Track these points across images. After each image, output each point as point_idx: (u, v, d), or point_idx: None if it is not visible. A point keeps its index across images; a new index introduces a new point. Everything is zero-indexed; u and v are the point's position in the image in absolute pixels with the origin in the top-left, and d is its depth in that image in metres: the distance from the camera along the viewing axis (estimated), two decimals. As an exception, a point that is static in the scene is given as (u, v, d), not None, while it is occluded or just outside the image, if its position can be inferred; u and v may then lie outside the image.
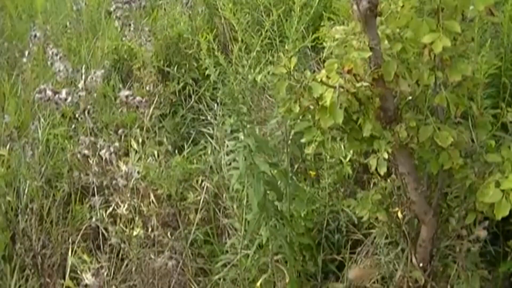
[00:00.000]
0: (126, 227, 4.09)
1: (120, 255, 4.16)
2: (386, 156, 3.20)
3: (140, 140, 4.62)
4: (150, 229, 4.11)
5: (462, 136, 3.22)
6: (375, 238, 4.04)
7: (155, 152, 4.62)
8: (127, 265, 4.24)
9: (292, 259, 3.71)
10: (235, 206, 4.06)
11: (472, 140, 3.32)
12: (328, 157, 4.19)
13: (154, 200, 4.22)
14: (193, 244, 4.42)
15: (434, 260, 3.70)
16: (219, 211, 4.38)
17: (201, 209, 4.30)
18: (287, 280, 3.63)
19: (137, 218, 4.15)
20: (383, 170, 3.23)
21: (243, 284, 3.87)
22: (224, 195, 4.31)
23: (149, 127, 4.88)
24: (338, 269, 4.19)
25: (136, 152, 4.57)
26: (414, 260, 3.65)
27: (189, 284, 4.18)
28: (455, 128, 3.24)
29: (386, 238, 3.97)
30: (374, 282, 3.92)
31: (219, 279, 4.05)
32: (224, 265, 3.97)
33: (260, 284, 3.66)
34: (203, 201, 4.31)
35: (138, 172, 4.34)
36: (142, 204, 4.17)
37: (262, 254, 3.76)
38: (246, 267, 3.81)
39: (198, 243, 4.41)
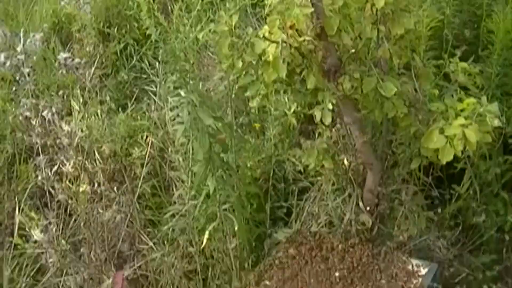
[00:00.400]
0: (72, 184, 3.97)
1: (68, 211, 4.04)
2: (330, 107, 3.16)
3: (82, 100, 4.50)
4: (96, 185, 4.00)
5: (406, 86, 3.19)
6: (321, 185, 4.00)
7: (98, 111, 4.50)
8: (75, 220, 4.11)
9: (239, 207, 3.63)
10: (181, 159, 3.95)
11: (416, 90, 3.30)
12: (272, 109, 4.12)
13: (98, 157, 4.11)
14: (141, 197, 4.30)
15: (381, 203, 3.66)
16: (165, 165, 4.26)
17: (147, 164, 4.18)
18: (235, 228, 3.56)
19: (83, 175, 4.04)
20: (328, 121, 3.19)
21: (192, 233, 3.79)
22: (169, 149, 4.20)
23: (90, 87, 4.76)
24: (286, 215, 4.15)
25: (79, 111, 4.44)
26: (361, 204, 3.61)
27: (138, 235, 4.09)
28: (399, 79, 3.21)
29: (333, 184, 3.92)
30: (322, 227, 3.90)
31: (168, 229, 3.97)
32: (173, 216, 3.88)
33: (209, 232, 3.58)
34: (148, 156, 4.19)
35: (82, 131, 4.23)
36: (87, 162, 4.05)
37: (209, 203, 3.68)
38: (195, 216, 3.74)
39: (145, 196, 4.30)
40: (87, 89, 4.74)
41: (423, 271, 3.36)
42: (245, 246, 3.97)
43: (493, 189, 4.05)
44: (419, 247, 3.84)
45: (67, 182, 3.92)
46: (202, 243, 3.68)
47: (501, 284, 3.88)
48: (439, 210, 3.99)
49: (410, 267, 3.38)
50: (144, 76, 5.12)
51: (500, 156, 3.99)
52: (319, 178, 3.96)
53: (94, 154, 4.19)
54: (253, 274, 3.38)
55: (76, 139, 4.11)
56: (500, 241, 4.12)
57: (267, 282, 3.30)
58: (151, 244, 3.98)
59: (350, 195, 3.66)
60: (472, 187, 4.02)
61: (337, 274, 3.35)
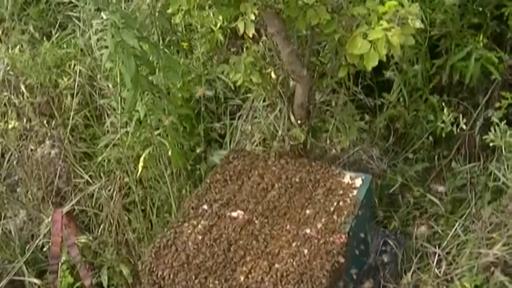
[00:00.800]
0: (0, 121, 3.86)
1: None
2: (253, 17, 3.09)
3: (2, 31, 4.32)
4: (25, 120, 3.89)
5: (327, -8, 3.15)
6: (253, 102, 3.98)
7: (21, 42, 4.34)
8: (8, 160, 4.04)
9: (172, 131, 3.58)
10: (110, 86, 3.87)
11: (338, -4, 3.25)
12: (199, 26, 4.04)
13: (25, 91, 3.98)
14: (74, 130, 4.23)
15: (312, 117, 3.67)
16: (96, 93, 4.17)
17: (77, 94, 4.09)
18: (169, 153, 3.52)
19: (10, 111, 3.92)
20: (251, 32, 3.12)
21: (127, 162, 3.75)
22: (98, 76, 4.10)
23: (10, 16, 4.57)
24: (220, 136, 4.13)
25: (1, 42, 4.28)
26: (292, 118, 3.60)
27: (74, 170, 4.02)
28: (320, -15, 3.15)
29: (264, 101, 3.92)
30: (256, 145, 3.89)
31: (104, 160, 3.92)
32: (106, 146, 3.82)
33: (144, 159, 3.53)
34: (77, 85, 4.09)
35: (7, 64, 4.09)
36: (13, 96, 3.92)
37: (142, 130, 3.62)
38: (129, 144, 3.68)
39: (78, 129, 4.23)
40: (7, 19, 4.53)
41: (358, 183, 3.38)
42: (182, 172, 3.95)
43: (422, 95, 4.08)
44: (352, 160, 3.90)
45: (-6, 119, 3.79)
46: (138, 172, 3.63)
47: (435, 191, 3.96)
48: (371, 120, 4.01)
49: (345, 180, 3.40)
50: (67, 1, 4.92)
51: (427, 61, 4.01)
52: (249, 95, 3.93)
53: (20, 88, 4.05)
54: (191, 199, 3.36)
55: (0, 73, 3.94)
56: (432, 148, 4.19)
57: (205, 206, 3.29)
58: (87, 177, 3.92)
59: (280, 110, 3.64)
60: (401, 94, 4.05)
61: (273, 191, 3.35)
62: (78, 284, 3.64)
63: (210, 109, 4.14)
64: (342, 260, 3.06)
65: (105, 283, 3.61)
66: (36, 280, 3.62)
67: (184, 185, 3.88)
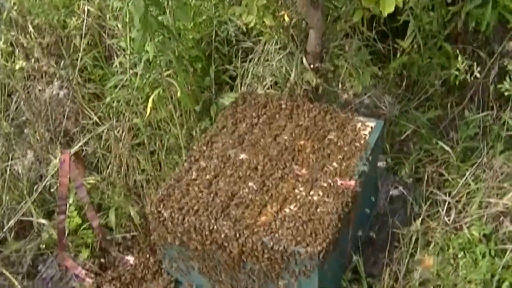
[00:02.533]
0: (7, 61, 3.77)
1: (6, 91, 3.87)
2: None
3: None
4: (33, 61, 3.79)
5: None
6: (265, 44, 3.87)
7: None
8: (16, 100, 3.97)
9: (181, 72, 3.48)
10: (119, 26, 3.76)
11: None
12: (210, -33, 3.92)
13: (33, 31, 3.87)
14: (83, 71, 4.15)
15: (325, 61, 3.58)
16: (105, 33, 4.07)
17: (85, 34, 3.98)
18: (178, 94, 3.43)
19: (17, 51, 3.82)
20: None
21: (136, 104, 3.67)
22: (107, 16, 3.99)
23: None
24: (231, 79, 4.04)
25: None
26: (305, 61, 3.51)
27: (82, 110, 3.95)
28: None
29: (276, 44, 3.81)
30: (268, 88, 3.81)
31: (112, 101, 3.84)
32: (116, 87, 3.74)
33: (153, 100, 3.45)
34: (86, 26, 3.98)
35: (14, 3, 3.98)
36: (21, 37, 3.82)
37: (151, 71, 3.52)
38: (138, 86, 3.59)
39: (87, 70, 4.14)
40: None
41: (370, 128, 3.30)
42: (192, 114, 3.88)
43: (437, 42, 3.96)
44: (364, 106, 3.81)
45: (1, 59, 3.68)
46: (147, 113, 3.55)
47: (446, 139, 3.88)
48: (384, 66, 3.91)
49: (357, 124, 3.32)
50: None
51: (443, 7, 3.88)
52: (261, 38, 3.82)
53: (28, 28, 3.95)
54: (200, 141, 3.29)
55: (5, 12, 3.83)
56: (445, 96, 4.09)
57: (214, 148, 3.22)
58: (95, 118, 3.85)
59: (293, 54, 3.55)
60: (415, 41, 3.94)
61: (284, 134, 3.28)
62: (85, 225, 3.61)
63: (221, 51, 4.03)
64: (351, 204, 3.00)
65: (112, 224, 3.57)
66: (44, 221, 3.59)
67: (194, 127, 3.82)
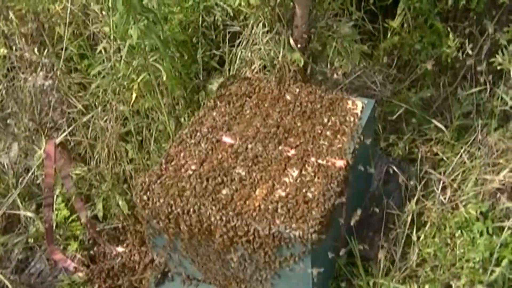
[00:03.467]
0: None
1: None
2: None
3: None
4: (15, 49, 3.67)
5: None
6: (252, 28, 3.76)
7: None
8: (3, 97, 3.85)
9: (167, 56, 3.37)
10: (103, 11, 3.64)
11: None
12: None
13: (14, 17, 3.75)
14: (69, 61, 4.03)
15: (313, 41, 3.47)
16: (89, 21, 3.94)
17: (70, 23, 3.85)
18: (164, 78, 3.30)
19: (-2, 39, 3.71)
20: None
21: (122, 91, 3.53)
22: (91, 3, 3.86)
23: None
24: (220, 65, 3.92)
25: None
26: (292, 42, 3.40)
27: (67, 100, 3.84)
28: None
29: (264, 27, 3.71)
30: (256, 72, 3.70)
31: (99, 90, 3.72)
32: (100, 74, 3.61)
33: (138, 86, 3.33)
34: (70, 13, 3.85)
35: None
36: (1, 24, 3.70)
37: (136, 55, 3.39)
38: (123, 72, 3.46)
39: (73, 60, 4.03)
40: None
41: (361, 107, 3.19)
42: (180, 101, 3.77)
43: (427, 20, 3.86)
44: (355, 86, 3.71)
45: (-19, 47, 3.58)
46: (132, 100, 3.44)
47: (440, 119, 3.77)
48: (374, 46, 3.81)
49: (347, 104, 3.21)
50: None
51: (433, -16, 3.79)
52: (248, 21, 3.71)
53: (9, 15, 3.82)
54: (187, 126, 3.18)
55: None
56: (437, 76, 3.99)
57: (201, 133, 3.11)
58: (80, 106, 3.73)
59: (280, 34, 3.43)
60: (405, 20, 3.83)
61: (274, 115, 3.17)
62: (74, 216, 3.50)
63: (208, 37, 3.91)
64: (344, 185, 2.89)
65: (100, 215, 3.46)
66: (30, 214, 3.48)
67: (182, 114, 3.71)
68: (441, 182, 3.27)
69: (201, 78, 3.84)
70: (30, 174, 3.51)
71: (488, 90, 3.68)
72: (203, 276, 3.12)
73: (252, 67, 3.72)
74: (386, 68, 3.84)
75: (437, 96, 3.87)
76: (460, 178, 3.33)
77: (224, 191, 2.87)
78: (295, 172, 2.91)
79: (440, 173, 3.35)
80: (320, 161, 2.94)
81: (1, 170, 3.64)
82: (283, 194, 2.83)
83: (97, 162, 3.65)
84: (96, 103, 3.78)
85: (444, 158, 3.51)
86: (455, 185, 3.29)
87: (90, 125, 3.75)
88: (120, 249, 3.44)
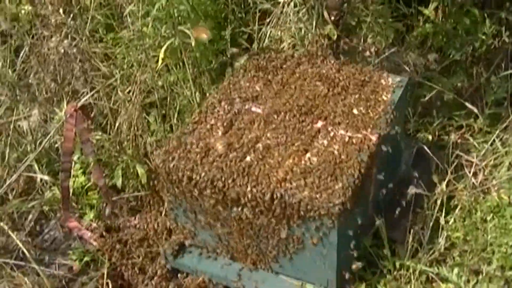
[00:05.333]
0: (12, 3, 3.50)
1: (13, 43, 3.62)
2: None
3: None
4: (39, 8, 3.51)
5: None
6: (283, 7, 3.62)
7: None
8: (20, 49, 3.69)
9: (196, 23, 3.20)
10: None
11: None
12: None
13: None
14: (96, 32, 3.89)
15: (346, 15, 3.31)
16: (116, -10, 3.81)
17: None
18: (192, 43, 3.13)
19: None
20: None
21: (147, 56, 3.37)
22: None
23: None
24: (248, 42, 3.77)
25: None
26: (325, 14, 3.24)
27: (91, 69, 3.69)
28: None
29: (295, 6, 3.58)
30: (286, 50, 3.55)
31: (123, 60, 3.57)
32: (127, 46, 3.46)
33: (165, 52, 3.16)
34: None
35: None
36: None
37: (164, 20, 3.24)
38: (149, 40, 3.30)
39: (100, 32, 3.89)
40: None
41: (393, 84, 3.02)
42: (206, 76, 3.62)
43: (462, 7, 3.69)
44: (387, 66, 3.53)
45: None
46: (158, 65, 3.27)
47: (469, 109, 3.59)
48: (408, 27, 3.63)
49: (380, 80, 3.04)
50: None
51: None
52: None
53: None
54: (211, 97, 3.02)
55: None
56: (471, 63, 3.82)
57: (226, 104, 2.95)
58: (104, 70, 3.56)
59: (313, 7, 3.27)
60: (440, 7, 3.67)
61: (303, 88, 3.00)
62: (90, 184, 3.35)
63: (237, 14, 3.76)
64: (373, 159, 2.72)
65: (119, 183, 3.29)
66: (46, 177, 3.32)
67: (207, 89, 3.56)
68: (473, 166, 3.09)
69: (228, 55, 3.69)
70: (48, 137, 3.35)
71: (524, 79, 3.52)
72: (222, 249, 2.95)
73: (282, 46, 3.57)
74: (419, 52, 3.66)
75: (469, 85, 3.69)
76: (492, 162, 3.15)
77: (249, 159, 2.71)
78: (324, 144, 2.75)
79: (472, 158, 3.18)
80: (349, 133, 2.78)
81: (20, 134, 3.49)
82: (311, 165, 2.66)
83: (118, 132, 3.49)
84: (120, 71, 3.63)
85: (475, 144, 3.34)
86: (487, 170, 3.11)
87: (113, 96, 3.61)
88: (136, 221, 3.28)
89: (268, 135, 2.80)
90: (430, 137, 3.43)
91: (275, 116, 2.88)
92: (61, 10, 3.57)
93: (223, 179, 2.64)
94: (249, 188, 2.60)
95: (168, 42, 3.14)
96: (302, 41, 3.49)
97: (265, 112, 2.90)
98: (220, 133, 2.82)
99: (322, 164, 2.65)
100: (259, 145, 2.76)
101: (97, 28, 3.86)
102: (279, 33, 3.62)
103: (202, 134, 2.82)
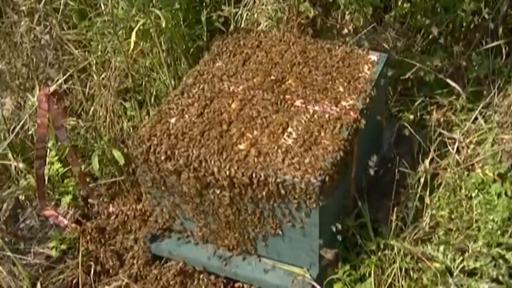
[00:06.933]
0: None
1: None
2: None
3: None
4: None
5: None
6: (259, -13, 3.49)
7: None
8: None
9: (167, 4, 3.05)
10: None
11: None
12: None
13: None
14: (69, 19, 3.74)
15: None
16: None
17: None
18: (163, 25, 2.96)
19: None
20: None
21: (119, 40, 3.22)
22: None
23: None
24: (224, 26, 3.63)
25: None
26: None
27: (63, 57, 3.53)
28: None
29: (271, -13, 3.44)
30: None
31: (98, 47, 3.42)
32: (102, 33, 3.30)
33: (136, 33, 3.01)
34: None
35: None
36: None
37: (136, 2, 3.08)
38: (121, 23, 3.14)
39: (74, 18, 3.73)
40: None
41: (373, 60, 2.90)
42: (182, 61, 3.48)
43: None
44: (367, 46, 3.39)
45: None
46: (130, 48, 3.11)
47: (450, 87, 3.48)
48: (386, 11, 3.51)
49: (359, 57, 2.92)
50: None
51: None
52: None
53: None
54: (187, 76, 2.88)
55: None
56: (450, 41, 3.70)
57: (203, 82, 2.81)
58: (79, 56, 3.42)
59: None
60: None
61: (281, 65, 2.87)
62: (66, 170, 3.20)
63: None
64: (353, 137, 2.60)
65: (96, 169, 3.14)
66: (21, 165, 3.18)
67: (184, 74, 3.40)
68: (457, 143, 2.97)
69: (204, 39, 3.55)
70: (21, 123, 3.20)
71: (504, 55, 3.40)
72: (202, 233, 2.82)
73: (258, 29, 3.43)
74: (398, 31, 3.54)
75: (450, 63, 3.58)
76: (476, 140, 3.04)
77: (226, 138, 2.57)
78: (304, 121, 2.62)
79: (455, 135, 3.06)
80: (329, 110, 2.65)
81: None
82: (290, 142, 2.54)
83: (95, 118, 3.34)
84: (96, 61, 3.48)
85: (458, 122, 3.23)
86: (471, 147, 2.99)
87: (88, 82, 3.46)
88: (112, 208, 3.15)
89: (247, 112, 2.67)
90: (412, 117, 3.31)
91: (253, 95, 2.75)
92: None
93: (200, 158, 2.51)
94: (227, 167, 2.47)
95: (139, 24, 2.98)
96: (278, 23, 3.35)
97: (241, 91, 2.77)
98: (197, 112, 2.68)
99: (302, 142, 2.53)
100: (237, 124, 2.63)
101: (70, 14, 3.69)
102: (255, 15, 3.48)
103: (179, 114, 2.69)
